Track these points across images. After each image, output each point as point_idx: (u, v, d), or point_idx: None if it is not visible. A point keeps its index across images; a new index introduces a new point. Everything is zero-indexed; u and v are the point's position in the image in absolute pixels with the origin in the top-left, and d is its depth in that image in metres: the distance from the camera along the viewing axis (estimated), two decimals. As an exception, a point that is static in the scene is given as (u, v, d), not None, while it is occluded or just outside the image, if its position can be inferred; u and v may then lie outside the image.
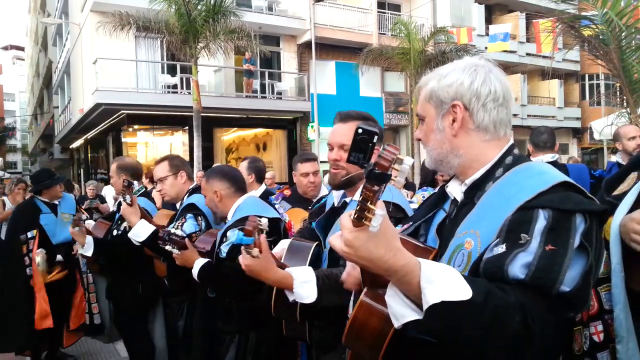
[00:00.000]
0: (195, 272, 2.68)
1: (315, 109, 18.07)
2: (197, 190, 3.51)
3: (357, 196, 2.09)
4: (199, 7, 13.49)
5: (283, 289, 1.95)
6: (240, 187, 2.96)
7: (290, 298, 1.93)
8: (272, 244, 2.74)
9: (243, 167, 4.28)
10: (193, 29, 13.33)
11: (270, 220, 2.80)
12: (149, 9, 13.40)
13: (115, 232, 3.98)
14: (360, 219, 0.99)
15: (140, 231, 3.18)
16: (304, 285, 1.88)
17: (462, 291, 1.01)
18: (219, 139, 18.51)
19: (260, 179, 4.33)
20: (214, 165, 3.25)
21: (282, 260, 2.14)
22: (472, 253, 1.19)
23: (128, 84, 15.64)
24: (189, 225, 3.13)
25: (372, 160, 0.99)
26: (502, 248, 1.11)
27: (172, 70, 16.83)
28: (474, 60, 1.38)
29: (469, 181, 1.34)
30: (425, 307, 1.02)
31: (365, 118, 2.14)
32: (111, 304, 4.51)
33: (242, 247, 1.85)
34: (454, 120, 1.33)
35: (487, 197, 1.27)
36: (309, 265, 2.09)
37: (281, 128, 19.16)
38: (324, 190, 3.94)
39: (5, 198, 7.63)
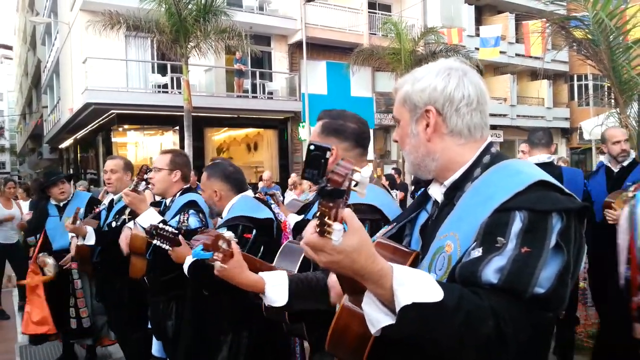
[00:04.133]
0: (186, 267, 2.66)
1: (307, 109, 18.07)
2: (188, 190, 3.51)
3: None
4: (189, 7, 13.44)
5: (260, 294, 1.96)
6: (240, 189, 2.96)
7: (265, 302, 1.93)
8: (264, 244, 2.75)
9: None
10: (184, 29, 13.28)
11: (262, 220, 2.82)
12: (139, 8, 13.33)
13: (114, 224, 3.98)
14: (323, 234, 0.99)
15: (149, 218, 3.15)
16: (274, 289, 1.88)
17: (432, 293, 1.01)
18: (210, 138, 18.47)
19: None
20: (216, 161, 3.23)
21: (274, 262, 2.16)
22: (452, 257, 1.18)
23: (118, 83, 15.55)
24: (193, 220, 3.16)
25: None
26: (478, 252, 1.11)
27: (162, 70, 16.76)
28: (449, 63, 1.36)
29: (447, 182, 1.34)
30: (397, 308, 1.02)
31: (332, 117, 2.15)
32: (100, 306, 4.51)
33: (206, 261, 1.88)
34: (427, 125, 1.32)
35: (465, 198, 1.26)
36: (299, 268, 2.10)
37: (272, 128, 19.14)
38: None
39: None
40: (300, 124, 18.51)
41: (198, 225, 3.11)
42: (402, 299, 1.01)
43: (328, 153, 1.02)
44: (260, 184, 11.33)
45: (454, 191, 1.31)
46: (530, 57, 17.98)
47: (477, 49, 18.97)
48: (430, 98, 1.30)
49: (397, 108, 1.39)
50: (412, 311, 1.00)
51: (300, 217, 3.24)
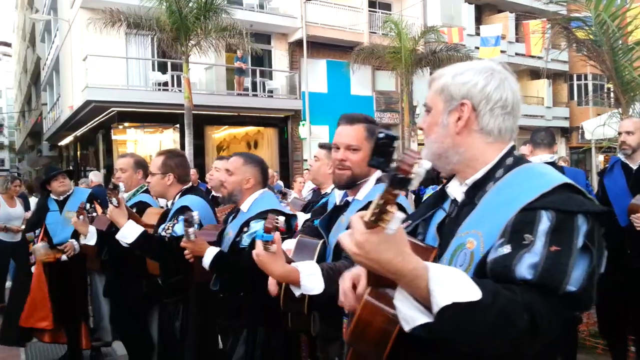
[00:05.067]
0: (208, 260, 2.68)
1: (307, 107, 18.08)
2: (190, 190, 3.51)
3: (360, 196, 2.18)
4: (190, 5, 13.44)
5: (289, 284, 2.01)
6: (265, 184, 3.01)
7: (297, 292, 1.98)
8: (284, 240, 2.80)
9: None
10: (184, 27, 13.27)
11: (288, 216, 2.88)
12: (139, 6, 13.34)
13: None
14: (376, 221, 1.00)
15: (128, 232, 3.12)
16: (310, 278, 1.94)
17: (471, 292, 1.03)
18: (210, 136, 18.46)
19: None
20: (249, 153, 3.24)
21: (290, 257, 2.18)
22: (474, 253, 1.20)
23: (119, 81, 15.55)
24: (181, 227, 3.07)
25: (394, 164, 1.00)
26: (507, 248, 1.13)
27: (163, 68, 16.77)
28: (492, 64, 1.39)
29: (469, 181, 1.36)
30: (436, 309, 1.03)
31: (372, 122, 2.25)
32: (108, 303, 4.52)
33: (261, 242, 1.90)
34: (459, 118, 1.34)
35: (488, 197, 1.28)
36: (316, 261, 2.14)
37: (272, 126, 19.15)
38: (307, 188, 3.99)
39: None
40: (301, 123, 18.53)
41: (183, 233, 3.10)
42: (441, 299, 1.03)
43: (396, 142, 1.04)
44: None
45: (475, 190, 1.33)
46: (531, 56, 17.98)
47: (477, 48, 18.97)
48: (469, 93, 1.33)
49: (432, 96, 1.40)
50: (451, 311, 1.02)
51: (308, 216, 3.26)
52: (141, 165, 4.16)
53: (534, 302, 1.05)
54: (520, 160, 1.35)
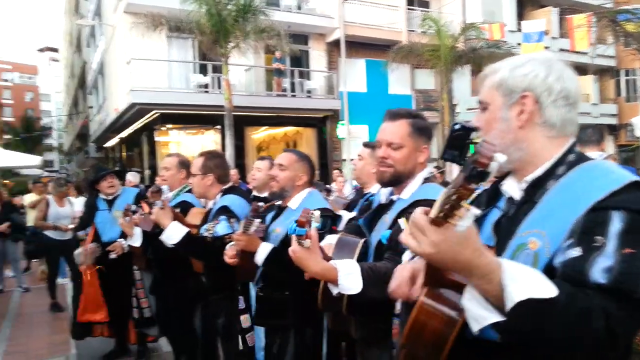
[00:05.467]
0: (262, 256, 2.65)
1: (345, 107, 18.06)
2: (230, 190, 3.57)
3: (405, 194, 2.12)
4: (229, 7, 13.63)
5: (327, 282, 1.97)
6: (312, 184, 3.02)
7: (334, 291, 1.94)
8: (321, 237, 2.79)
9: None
10: (224, 29, 13.48)
11: (328, 215, 2.84)
12: (180, 10, 13.60)
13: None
14: (446, 218, 0.96)
15: (172, 233, 3.18)
16: (349, 277, 1.89)
17: (547, 289, 1.00)
18: (250, 137, 18.66)
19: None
20: (300, 150, 3.26)
21: (330, 255, 2.16)
22: (538, 254, 1.16)
23: (161, 83, 15.89)
24: (222, 227, 3.15)
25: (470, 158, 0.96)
26: (577, 251, 1.09)
27: (203, 70, 17.04)
28: (550, 55, 1.37)
29: (529, 178, 1.31)
30: (510, 305, 1.00)
31: (418, 117, 2.17)
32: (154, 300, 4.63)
33: (294, 237, 1.88)
34: (521, 112, 1.30)
35: (551, 195, 1.23)
36: (357, 260, 2.12)
37: (311, 126, 19.21)
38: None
39: (49, 197, 7.84)
40: (339, 122, 18.52)
41: (227, 232, 3.09)
42: (516, 295, 1.00)
43: (473, 134, 1.02)
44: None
45: (535, 189, 1.29)
46: (575, 52, 17.44)
47: (519, 44, 18.53)
48: (530, 85, 1.30)
49: (488, 92, 1.36)
50: (526, 307, 0.99)
51: (353, 214, 3.25)
52: (185, 165, 4.21)
53: (609, 307, 1.01)
54: (583, 157, 1.31)
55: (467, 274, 1.05)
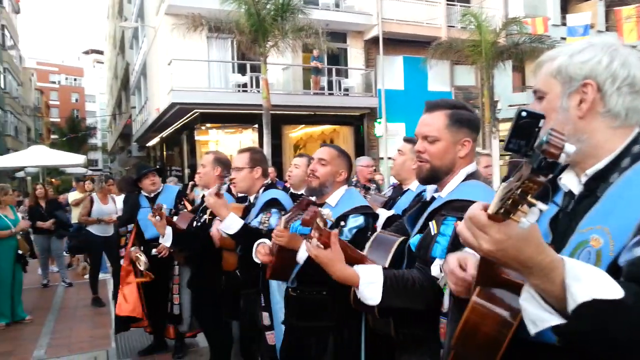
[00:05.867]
0: (302, 258, 2.57)
1: (383, 105, 17.90)
2: (271, 186, 3.57)
3: (443, 193, 1.99)
4: (268, 7, 13.71)
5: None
6: (349, 181, 2.98)
7: (358, 295, 1.88)
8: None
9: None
10: (262, 28, 13.57)
11: (368, 213, 2.76)
12: (220, 10, 13.75)
13: (194, 224, 4.12)
14: (507, 214, 0.90)
15: (230, 224, 3.15)
16: (369, 286, 1.83)
17: (612, 289, 0.93)
18: (287, 136, 18.74)
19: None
20: (339, 146, 3.22)
21: (365, 252, 2.10)
22: (602, 252, 1.07)
23: (201, 83, 16.11)
24: (275, 219, 3.16)
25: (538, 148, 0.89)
26: None
27: (242, 70, 17.20)
28: (613, 40, 1.27)
29: (590, 171, 1.22)
30: (572, 306, 0.94)
31: (456, 106, 2.01)
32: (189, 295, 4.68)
33: (304, 238, 1.82)
34: (581, 101, 1.22)
35: (615, 189, 1.14)
36: (390, 263, 2.04)
37: (348, 124, 19.14)
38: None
39: (94, 195, 8.04)
40: (377, 120, 18.39)
41: None
42: (579, 296, 0.94)
43: (542, 122, 0.94)
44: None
45: (597, 182, 1.20)
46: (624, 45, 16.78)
47: (563, 38, 17.98)
48: (592, 72, 1.21)
49: (545, 80, 1.29)
50: (590, 309, 0.93)
51: (391, 212, 3.18)
52: (220, 162, 4.22)
53: None
54: None
55: (527, 273, 0.99)
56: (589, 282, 0.94)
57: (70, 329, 6.51)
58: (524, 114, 0.95)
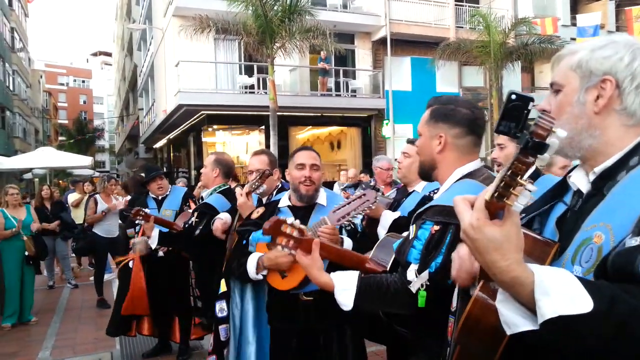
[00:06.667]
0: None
1: (391, 106, 17.84)
2: (282, 189, 3.52)
3: (437, 194, 1.94)
4: (275, 8, 13.68)
5: None
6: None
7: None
8: None
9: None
10: (269, 30, 13.55)
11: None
12: (227, 12, 13.75)
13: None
14: (501, 198, 0.90)
15: None
16: (342, 293, 1.87)
17: (581, 303, 0.93)
18: (294, 137, 18.72)
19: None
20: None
21: (371, 253, 2.14)
22: (602, 247, 1.07)
23: (208, 85, 16.13)
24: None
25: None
26: (635, 241, 1.00)
27: (249, 71, 17.19)
28: (634, 39, 1.25)
29: (598, 169, 1.21)
30: (540, 320, 0.95)
31: (448, 102, 1.93)
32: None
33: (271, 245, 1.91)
34: (599, 97, 1.21)
35: (620, 187, 1.13)
36: (393, 261, 2.01)
37: (355, 126, 19.09)
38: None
39: (97, 196, 7.99)
40: (384, 122, 18.31)
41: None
42: (546, 311, 0.94)
43: (531, 104, 0.95)
44: (342, 180, 11.34)
45: (604, 180, 1.19)
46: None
47: (573, 39, 17.83)
48: (613, 68, 1.20)
49: (564, 73, 1.27)
50: (556, 325, 0.94)
51: (397, 214, 3.12)
52: (220, 163, 4.22)
53: None
54: None
55: (492, 275, 1.02)
56: (557, 297, 0.94)
57: (75, 331, 6.48)
58: (513, 96, 0.97)
